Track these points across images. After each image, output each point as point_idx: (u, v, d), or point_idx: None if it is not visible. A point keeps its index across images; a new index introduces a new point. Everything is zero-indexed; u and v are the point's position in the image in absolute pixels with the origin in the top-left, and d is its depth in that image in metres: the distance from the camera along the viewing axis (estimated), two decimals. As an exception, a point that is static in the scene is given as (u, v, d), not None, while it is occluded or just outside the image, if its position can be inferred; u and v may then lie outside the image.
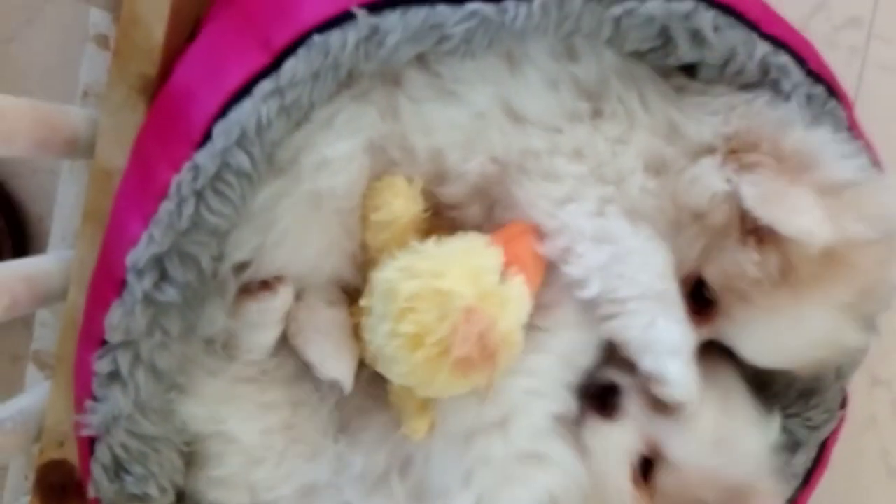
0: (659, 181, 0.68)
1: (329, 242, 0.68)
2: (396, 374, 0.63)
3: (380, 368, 0.65)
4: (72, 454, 0.76)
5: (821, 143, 0.66)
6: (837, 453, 0.88)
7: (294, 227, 0.65)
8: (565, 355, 0.68)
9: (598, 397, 0.68)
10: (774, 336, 0.68)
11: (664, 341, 0.65)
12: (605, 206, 0.66)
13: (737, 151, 0.65)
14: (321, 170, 0.64)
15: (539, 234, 0.67)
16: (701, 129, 0.67)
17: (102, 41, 0.81)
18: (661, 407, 0.66)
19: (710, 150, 0.67)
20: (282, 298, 0.67)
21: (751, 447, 0.69)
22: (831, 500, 0.94)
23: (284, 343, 0.71)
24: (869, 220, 0.64)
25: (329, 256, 0.68)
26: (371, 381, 0.73)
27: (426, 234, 0.68)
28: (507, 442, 0.68)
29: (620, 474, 0.67)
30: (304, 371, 0.71)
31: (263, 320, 0.68)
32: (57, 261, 0.77)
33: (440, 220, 0.70)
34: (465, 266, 0.62)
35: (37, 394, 0.80)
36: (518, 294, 0.63)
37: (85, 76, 0.81)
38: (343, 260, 0.69)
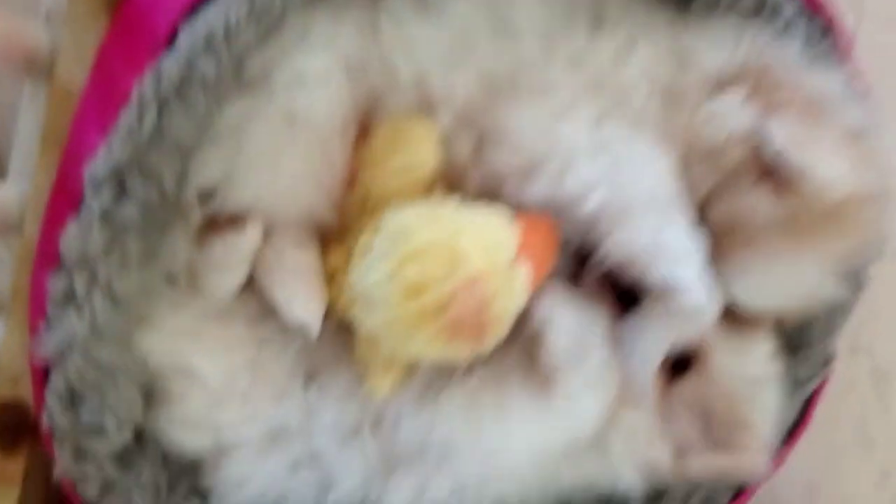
0: (670, 112, 0.67)
1: (304, 170, 0.64)
2: (376, 320, 0.60)
3: (357, 313, 0.63)
4: (27, 394, 0.73)
5: (836, 87, 0.65)
6: (814, 419, 0.89)
7: (266, 151, 0.62)
8: None
9: None
10: (770, 280, 0.67)
11: (673, 248, 0.62)
12: (603, 119, 0.65)
13: (761, 89, 0.64)
14: (296, 86, 0.61)
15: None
16: (715, 55, 0.66)
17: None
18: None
19: (728, 82, 0.66)
20: (249, 237, 0.64)
21: (769, 396, 0.70)
22: (807, 465, 0.98)
23: (249, 280, 0.68)
24: (876, 173, 0.63)
25: (303, 187, 0.65)
26: (341, 331, 0.71)
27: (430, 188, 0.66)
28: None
29: (646, 369, 0.67)
30: (270, 310, 0.69)
31: (229, 261, 0.65)
32: (15, 191, 0.74)
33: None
34: (484, 235, 0.61)
35: None
36: (521, 282, 0.62)
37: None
38: (319, 194, 0.66)
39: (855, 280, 0.72)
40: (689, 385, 0.68)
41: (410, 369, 0.68)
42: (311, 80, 0.62)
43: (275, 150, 0.63)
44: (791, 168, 0.61)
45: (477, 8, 0.65)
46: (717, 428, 0.68)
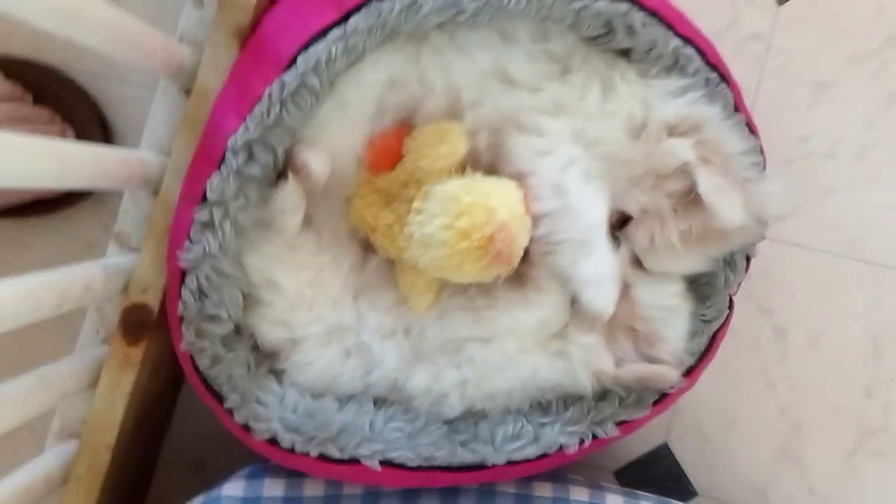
0: (632, 142, 0.87)
1: (340, 131, 0.87)
2: (433, 256, 0.82)
3: (412, 252, 0.84)
4: (151, 300, 0.96)
5: (739, 143, 0.85)
6: (726, 365, 1.12)
7: (324, 119, 0.85)
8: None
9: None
10: (668, 261, 0.92)
11: (581, 275, 0.85)
12: (570, 165, 0.85)
13: (698, 139, 0.84)
14: (352, 87, 0.85)
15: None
16: (670, 107, 0.86)
17: (197, 2, 1.03)
18: (638, 262, 0.89)
19: (677, 126, 0.85)
20: (291, 180, 0.83)
21: (679, 320, 0.91)
22: (723, 402, 1.14)
23: (305, 226, 0.89)
24: (754, 212, 0.88)
25: (338, 140, 0.87)
26: (381, 267, 0.96)
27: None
28: (485, 354, 0.90)
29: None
30: (322, 247, 0.90)
31: (287, 205, 0.84)
32: (154, 158, 0.98)
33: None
34: (504, 195, 0.83)
35: (122, 260, 0.99)
36: (528, 227, 0.84)
37: (181, 26, 1.02)
38: (349, 154, 0.89)
39: (744, 255, 0.93)
40: (620, 311, 0.88)
41: (438, 294, 0.92)
42: (362, 85, 0.85)
43: (328, 120, 0.85)
44: (708, 205, 0.82)
45: (490, 62, 0.87)
46: (642, 342, 0.89)
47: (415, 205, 0.84)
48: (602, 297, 0.86)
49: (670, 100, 0.86)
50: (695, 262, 0.91)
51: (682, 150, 0.84)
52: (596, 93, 0.89)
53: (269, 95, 0.81)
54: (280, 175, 0.86)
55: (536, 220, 0.85)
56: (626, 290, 0.90)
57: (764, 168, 0.90)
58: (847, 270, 1.13)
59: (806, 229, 1.13)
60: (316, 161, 0.85)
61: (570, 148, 0.87)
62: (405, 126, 0.91)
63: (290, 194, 0.84)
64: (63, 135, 1.12)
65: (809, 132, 1.14)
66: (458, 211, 0.81)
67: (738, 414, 1.15)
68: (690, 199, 0.85)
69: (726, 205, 0.82)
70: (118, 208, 1.01)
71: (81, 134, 1.12)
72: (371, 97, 0.88)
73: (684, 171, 0.84)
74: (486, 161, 0.91)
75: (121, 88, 1.16)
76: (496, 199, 0.82)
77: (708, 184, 0.82)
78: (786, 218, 1.13)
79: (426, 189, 0.85)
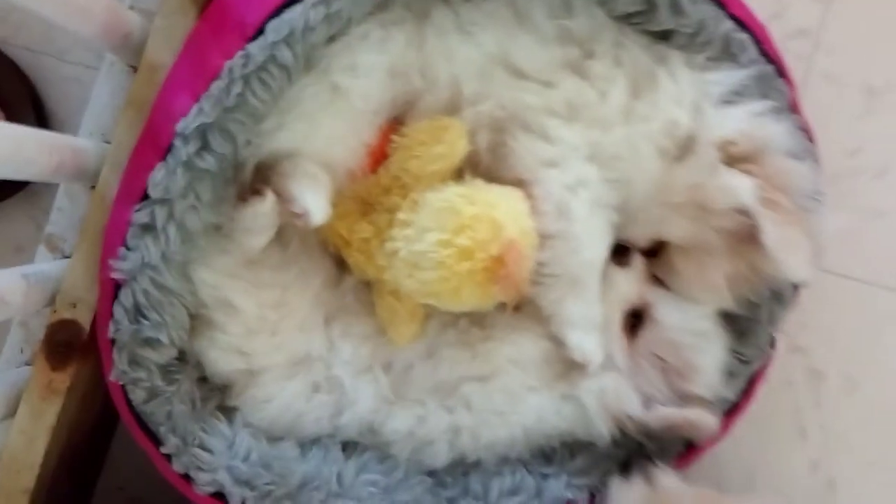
0: (680, 159, 0.79)
1: (338, 132, 0.78)
2: (423, 279, 0.74)
3: (396, 274, 0.76)
4: (82, 316, 0.85)
5: (807, 179, 0.77)
6: (755, 410, 0.97)
7: (310, 109, 0.76)
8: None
9: (619, 250, 0.82)
10: (703, 294, 0.82)
11: (565, 316, 0.79)
12: (580, 186, 0.78)
13: (767, 179, 0.75)
14: (348, 70, 0.76)
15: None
16: (727, 124, 0.77)
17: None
18: (658, 278, 0.82)
19: (732, 151, 0.76)
20: (269, 201, 0.75)
21: (713, 347, 0.83)
22: (747, 452, 1.06)
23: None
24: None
25: (336, 146, 0.78)
26: (358, 288, 0.85)
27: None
28: (485, 395, 0.82)
29: (615, 314, 0.81)
30: (288, 260, 0.82)
31: (256, 225, 0.77)
32: (93, 146, 0.87)
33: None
34: (511, 206, 0.76)
35: (51, 266, 0.87)
36: (535, 244, 0.77)
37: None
38: (344, 154, 0.79)
39: (793, 286, 0.85)
40: (642, 340, 0.81)
41: (423, 324, 0.83)
42: (359, 69, 0.76)
43: (317, 109, 0.76)
44: (772, 259, 0.75)
45: (497, 45, 0.78)
46: (671, 373, 0.80)
47: (401, 216, 0.77)
48: (589, 342, 0.80)
49: (727, 106, 0.78)
50: (734, 300, 0.83)
51: (744, 191, 0.75)
52: (621, 89, 0.78)
53: (230, 70, 0.72)
54: (251, 186, 0.77)
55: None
56: (646, 310, 0.83)
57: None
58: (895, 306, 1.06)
59: (850, 257, 1.06)
60: (318, 207, 0.74)
61: (582, 166, 0.79)
62: (391, 121, 0.82)
63: (262, 215, 0.76)
64: (-12, 117, 1.02)
65: (859, 145, 1.07)
66: (457, 225, 0.72)
67: (763, 466, 1.08)
68: (743, 238, 0.77)
69: (794, 261, 0.75)
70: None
71: (11, 117, 1.02)
72: (372, 86, 0.78)
73: (741, 211, 0.76)
74: (484, 164, 0.82)
75: (60, 66, 1.06)
76: (502, 211, 0.74)
77: (775, 236, 0.74)
78: (826, 243, 1.02)
79: (415, 197, 0.77)
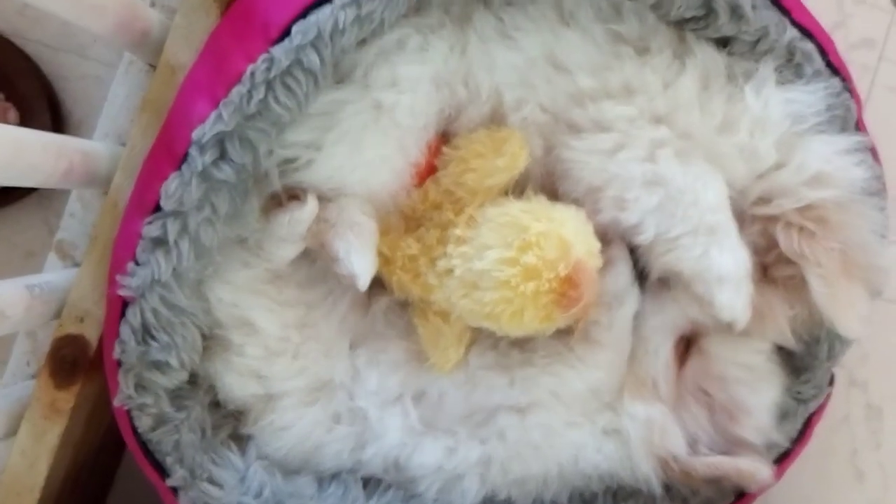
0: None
1: (381, 153, 0.73)
2: (481, 300, 0.70)
3: (452, 294, 0.72)
4: (89, 331, 0.80)
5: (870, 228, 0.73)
6: (809, 449, 0.94)
7: (352, 130, 0.71)
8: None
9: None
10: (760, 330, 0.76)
11: (714, 270, 0.71)
12: (656, 150, 0.72)
13: (829, 232, 0.71)
14: (390, 85, 0.71)
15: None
16: (815, 165, 0.72)
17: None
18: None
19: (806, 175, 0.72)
20: (309, 208, 0.71)
21: (766, 385, 0.77)
22: (800, 494, 1.03)
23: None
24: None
25: (378, 168, 0.73)
26: (390, 310, 0.80)
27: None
28: (522, 430, 0.76)
29: (665, 341, 0.76)
30: (315, 277, 0.78)
31: (290, 233, 0.72)
32: (106, 150, 0.82)
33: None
34: (578, 225, 0.71)
35: (60, 276, 0.83)
36: (599, 267, 0.72)
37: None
38: (390, 178, 0.74)
39: None
40: (689, 372, 0.76)
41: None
42: (403, 83, 0.71)
43: (360, 130, 0.71)
44: (823, 314, 0.71)
45: (541, 46, 0.74)
46: (719, 412, 0.75)
47: (458, 232, 0.72)
48: (740, 301, 0.71)
49: (813, 134, 0.73)
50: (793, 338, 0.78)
51: (788, 246, 0.71)
52: (692, 79, 0.73)
53: (252, 74, 0.67)
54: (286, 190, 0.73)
55: (633, 231, 0.73)
56: (695, 339, 0.77)
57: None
58: (963, 338, 1.03)
59: (913, 286, 1.04)
60: (365, 270, 0.70)
61: (651, 130, 0.72)
62: (442, 133, 0.78)
63: (300, 223, 0.71)
64: (3, 117, 0.97)
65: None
66: (523, 242, 0.68)
67: (818, 510, 1.05)
68: (797, 285, 0.73)
69: (846, 318, 0.71)
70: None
71: (27, 117, 0.98)
72: (418, 101, 0.73)
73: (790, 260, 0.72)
74: (538, 177, 0.77)
75: (79, 63, 1.01)
76: (570, 229, 0.70)
77: (825, 292, 0.70)
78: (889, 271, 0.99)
79: (472, 212, 0.72)
